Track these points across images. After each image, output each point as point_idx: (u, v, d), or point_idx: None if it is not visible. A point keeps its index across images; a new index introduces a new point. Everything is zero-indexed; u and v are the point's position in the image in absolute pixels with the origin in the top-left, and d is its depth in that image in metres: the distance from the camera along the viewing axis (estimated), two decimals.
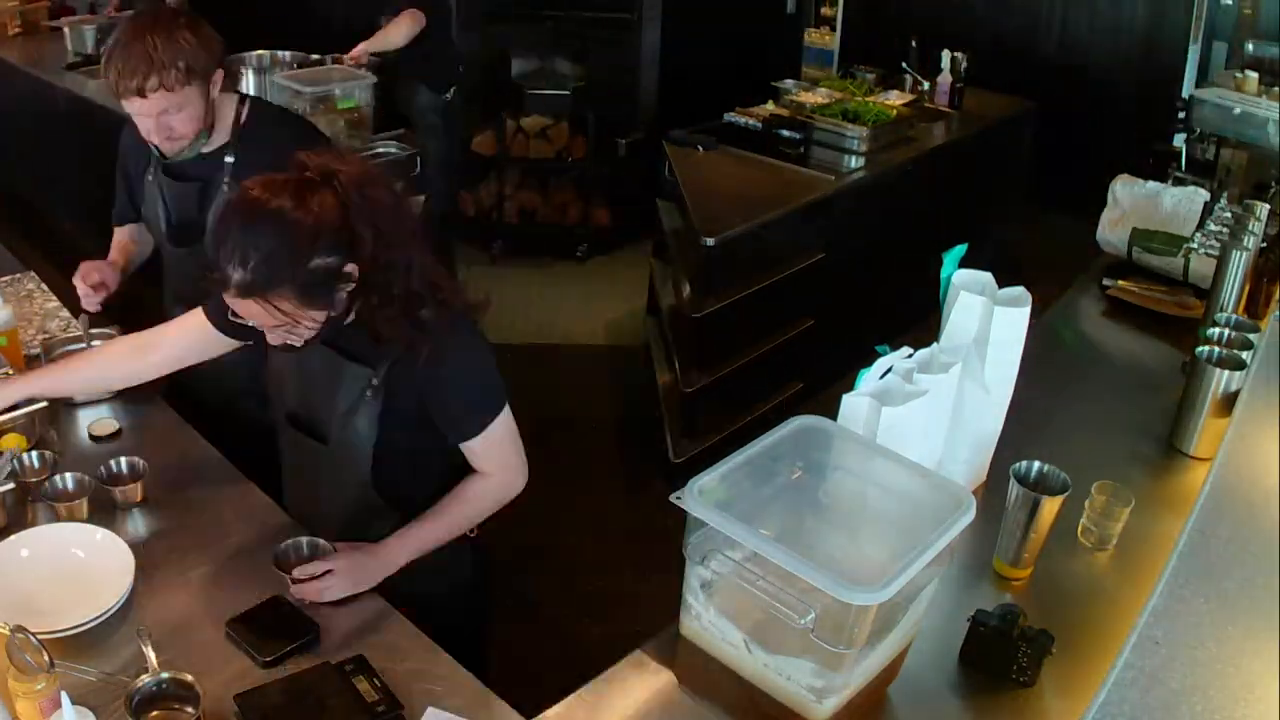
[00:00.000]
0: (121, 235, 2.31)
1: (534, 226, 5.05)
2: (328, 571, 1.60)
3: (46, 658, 1.31)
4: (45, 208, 5.20)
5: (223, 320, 1.68)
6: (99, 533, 1.67)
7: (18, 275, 2.56)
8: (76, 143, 4.53)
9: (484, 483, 1.73)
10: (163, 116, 1.93)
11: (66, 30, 4.78)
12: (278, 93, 3.50)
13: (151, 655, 1.45)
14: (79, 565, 1.63)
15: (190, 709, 1.36)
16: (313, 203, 1.46)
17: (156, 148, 2.04)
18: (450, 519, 1.71)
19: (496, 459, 1.72)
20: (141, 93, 1.88)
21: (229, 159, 2.06)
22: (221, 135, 2.07)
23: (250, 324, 1.55)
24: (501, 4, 4.95)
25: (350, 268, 1.51)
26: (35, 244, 4.75)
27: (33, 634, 1.32)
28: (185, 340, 1.81)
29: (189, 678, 1.39)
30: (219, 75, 2.01)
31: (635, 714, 1.44)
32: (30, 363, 2.13)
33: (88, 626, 1.50)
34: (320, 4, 5.07)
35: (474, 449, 1.70)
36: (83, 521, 1.72)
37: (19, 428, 1.88)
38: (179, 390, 2.13)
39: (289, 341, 1.57)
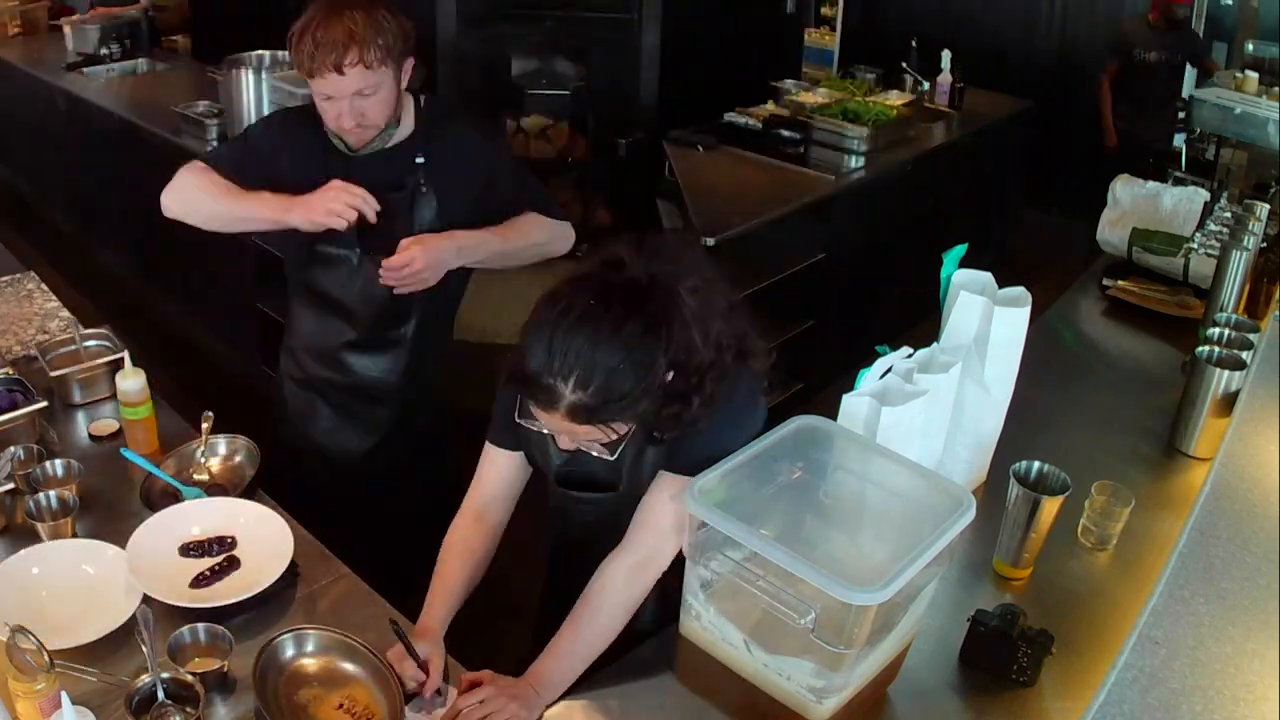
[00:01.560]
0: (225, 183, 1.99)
1: None
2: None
3: (46, 658, 1.30)
4: (45, 208, 5.20)
5: (503, 437, 1.61)
6: (110, 549, 1.65)
7: (18, 275, 2.56)
8: (76, 143, 4.54)
9: (620, 569, 1.48)
10: (357, 98, 1.82)
11: (66, 30, 4.77)
12: (273, 93, 3.50)
13: (151, 655, 1.45)
14: (88, 581, 1.61)
15: (190, 709, 1.36)
16: (653, 316, 1.32)
17: (340, 140, 1.91)
18: (587, 632, 1.48)
19: (664, 520, 1.47)
20: (340, 68, 1.77)
21: (419, 159, 1.94)
22: (406, 130, 1.96)
23: (540, 430, 1.43)
24: (501, 4, 4.94)
25: (669, 375, 1.36)
26: (35, 244, 4.76)
27: (33, 634, 1.32)
28: (503, 482, 1.65)
29: (189, 678, 1.39)
30: (410, 64, 1.89)
31: (635, 714, 1.44)
32: (29, 363, 2.13)
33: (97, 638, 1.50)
34: None
35: (663, 494, 1.48)
36: (73, 499, 1.71)
37: (19, 428, 1.88)
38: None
39: (590, 451, 1.44)
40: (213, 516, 1.73)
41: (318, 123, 1.92)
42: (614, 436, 1.39)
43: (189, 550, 1.67)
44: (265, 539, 1.69)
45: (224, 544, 1.69)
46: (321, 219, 1.82)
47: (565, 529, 1.70)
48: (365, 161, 1.92)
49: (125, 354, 1.94)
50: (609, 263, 1.36)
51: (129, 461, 1.86)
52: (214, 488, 1.84)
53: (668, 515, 1.47)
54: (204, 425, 1.93)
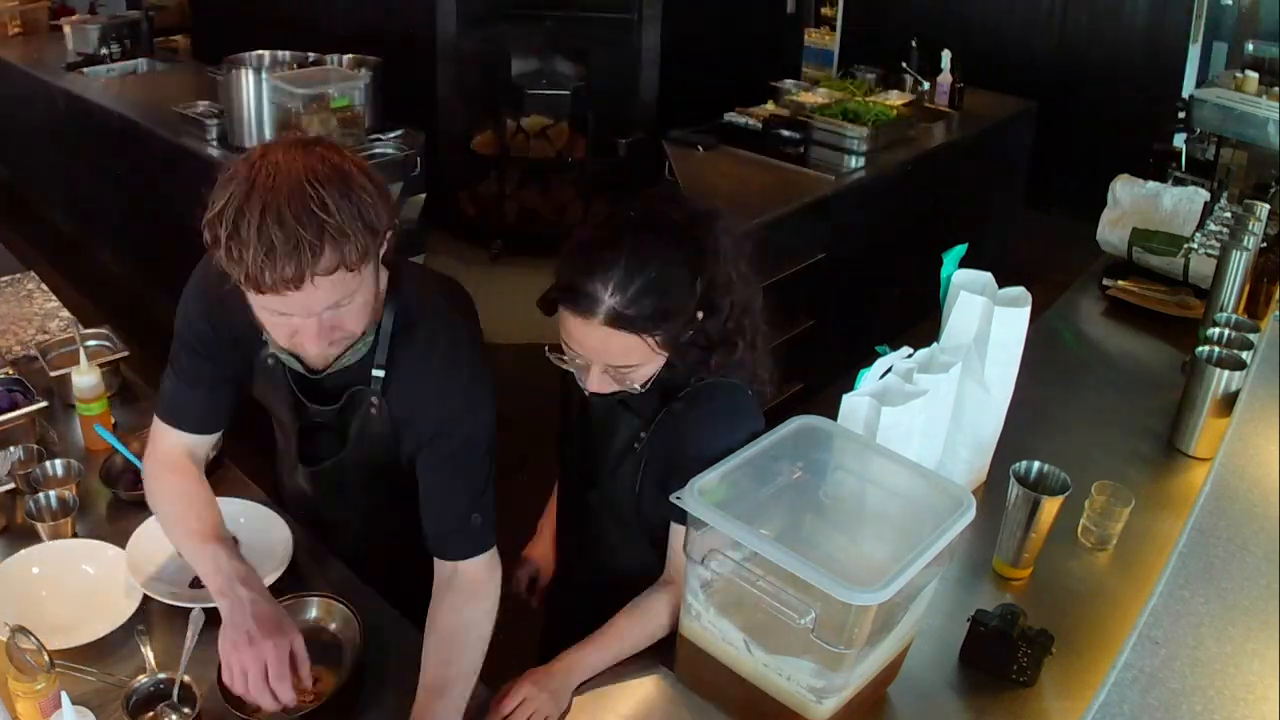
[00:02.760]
0: (181, 457, 1.56)
1: (534, 226, 5.05)
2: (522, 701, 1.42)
3: (46, 658, 1.31)
4: (45, 208, 5.20)
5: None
6: (109, 549, 1.66)
7: (18, 275, 2.56)
8: (76, 143, 4.53)
9: (667, 595, 1.52)
10: (329, 311, 1.28)
11: (66, 30, 4.78)
12: (273, 93, 3.50)
13: (150, 656, 1.45)
14: (88, 581, 1.62)
15: (187, 710, 1.36)
16: (690, 244, 1.38)
17: (295, 358, 1.46)
18: (628, 634, 1.52)
19: (678, 553, 1.50)
20: (301, 282, 1.20)
21: (377, 373, 1.46)
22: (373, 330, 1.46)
23: (574, 363, 1.42)
24: (501, 4, 4.95)
25: (699, 313, 1.41)
26: (35, 244, 4.76)
27: (33, 634, 1.32)
28: None
29: (187, 678, 1.39)
30: (390, 235, 1.34)
31: (635, 714, 1.44)
32: (29, 363, 2.13)
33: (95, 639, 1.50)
34: (320, 4, 5.07)
35: (679, 534, 1.48)
36: (73, 499, 1.71)
37: (19, 428, 1.88)
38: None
39: (612, 389, 1.43)
40: None
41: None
42: (648, 359, 1.39)
43: None
44: (265, 539, 1.69)
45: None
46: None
47: (570, 533, 1.76)
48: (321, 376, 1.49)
49: (81, 349, 1.95)
50: (647, 198, 1.44)
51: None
52: None
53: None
54: None
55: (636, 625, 1.52)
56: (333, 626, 1.54)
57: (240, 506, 1.75)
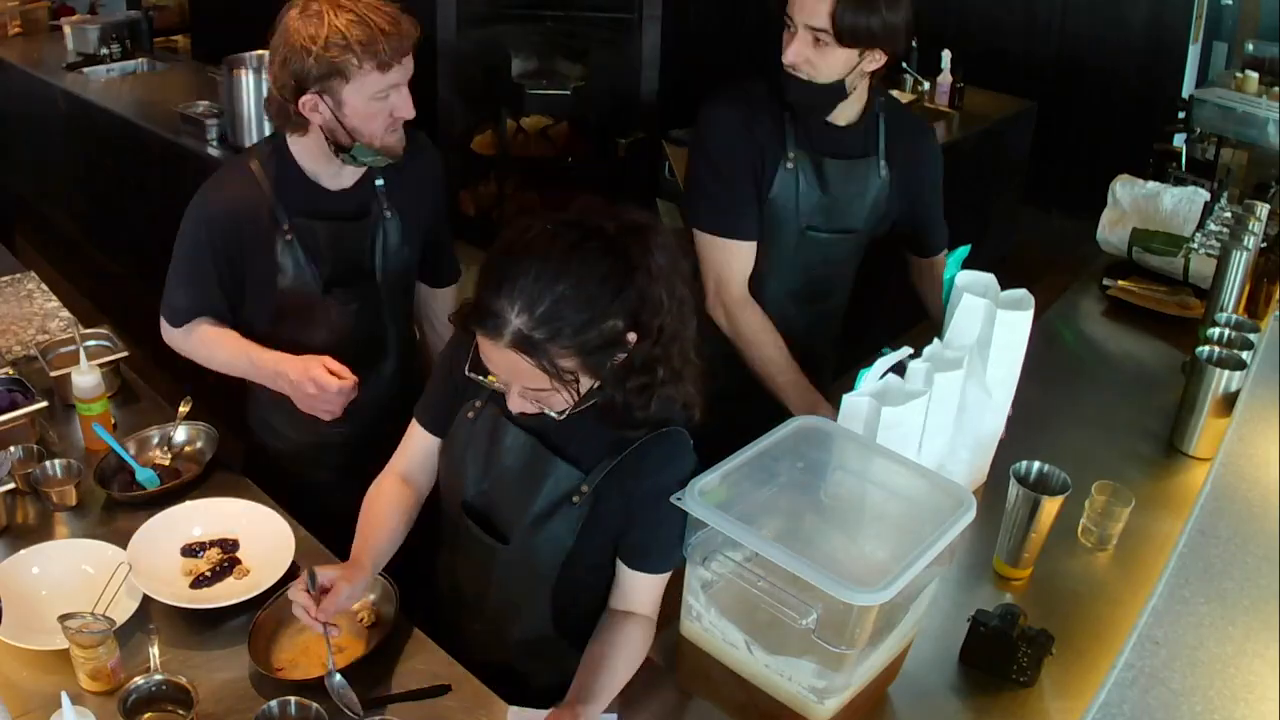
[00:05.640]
0: (214, 335, 1.88)
1: None
2: None
3: (104, 624, 1.39)
4: (45, 208, 5.20)
5: (425, 416, 1.58)
6: (109, 549, 1.65)
7: (18, 275, 2.56)
8: (76, 143, 4.53)
9: (643, 629, 1.46)
10: (404, 87, 1.73)
11: (66, 30, 4.77)
12: None
13: (156, 655, 1.45)
14: (88, 581, 1.60)
15: (183, 711, 1.36)
16: (616, 256, 1.28)
17: (333, 169, 1.77)
18: (623, 668, 1.43)
19: (654, 600, 1.48)
20: (410, 49, 1.69)
21: (379, 182, 1.84)
22: None
23: (489, 386, 1.39)
24: (501, 4, 4.95)
25: (631, 335, 1.30)
26: (35, 244, 4.76)
27: (76, 613, 1.39)
28: (424, 457, 1.60)
29: (183, 680, 1.39)
30: None
31: (635, 714, 1.44)
32: (29, 363, 2.13)
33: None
34: None
35: (651, 583, 1.46)
36: (71, 508, 1.74)
37: (19, 428, 1.88)
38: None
39: (534, 410, 1.37)
40: (214, 517, 1.74)
41: (253, 184, 1.77)
42: (547, 382, 1.28)
43: (190, 551, 1.67)
44: (266, 539, 1.69)
45: (225, 545, 1.69)
46: (312, 412, 1.75)
47: (452, 577, 1.63)
48: (336, 196, 1.82)
49: (81, 349, 1.95)
50: (579, 207, 1.33)
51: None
52: (169, 470, 1.86)
53: (659, 600, 1.48)
54: (181, 409, 1.96)
55: (628, 659, 1.43)
56: (371, 598, 1.59)
57: (241, 506, 1.75)
